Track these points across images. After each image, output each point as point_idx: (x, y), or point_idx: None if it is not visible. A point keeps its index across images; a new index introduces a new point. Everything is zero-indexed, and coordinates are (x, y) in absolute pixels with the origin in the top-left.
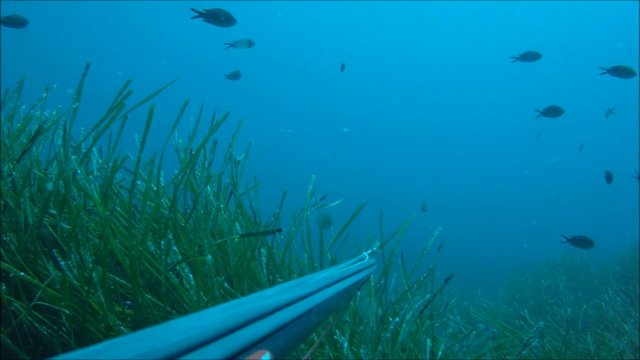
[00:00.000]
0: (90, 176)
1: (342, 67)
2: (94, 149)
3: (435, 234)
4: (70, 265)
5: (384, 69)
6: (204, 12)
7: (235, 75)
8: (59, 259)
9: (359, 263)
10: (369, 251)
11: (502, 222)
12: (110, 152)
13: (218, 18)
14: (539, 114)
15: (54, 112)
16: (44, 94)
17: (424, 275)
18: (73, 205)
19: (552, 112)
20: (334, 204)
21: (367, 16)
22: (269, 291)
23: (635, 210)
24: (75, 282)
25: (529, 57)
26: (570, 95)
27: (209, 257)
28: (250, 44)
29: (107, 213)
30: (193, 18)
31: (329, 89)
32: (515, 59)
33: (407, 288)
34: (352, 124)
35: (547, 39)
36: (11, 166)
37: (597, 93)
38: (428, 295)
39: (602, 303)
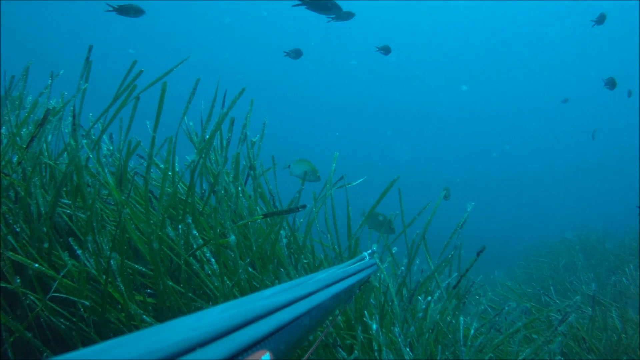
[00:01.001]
0: (103, 159)
1: (385, 50)
2: (104, 136)
3: (469, 209)
4: (87, 254)
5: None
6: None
7: (296, 53)
8: (76, 247)
9: (359, 263)
10: (369, 251)
11: (514, 202)
12: (124, 135)
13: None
14: (604, 84)
15: (59, 100)
16: (50, 81)
17: (452, 252)
18: (87, 192)
19: (610, 84)
20: (356, 183)
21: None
22: (268, 291)
23: None
24: (93, 271)
25: (601, 19)
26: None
27: (233, 238)
28: (387, 51)
29: (123, 198)
30: (294, 6)
31: (341, 74)
32: (594, 23)
33: (432, 268)
34: (371, 108)
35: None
36: (20, 155)
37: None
38: (455, 274)
39: (623, 279)
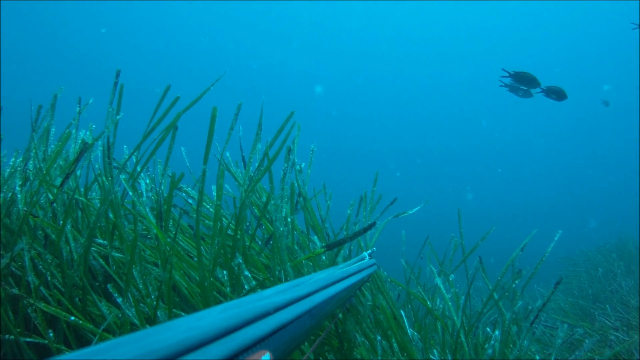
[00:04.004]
0: (143, 198)
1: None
2: (137, 166)
3: (556, 237)
4: (128, 303)
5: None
6: (512, 73)
7: (558, 95)
8: (116, 295)
9: (359, 263)
10: (369, 251)
11: (542, 212)
12: (163, 167)
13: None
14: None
15: (88, 133)
16: (78, 108)
17: (515, 282)
18: (125, 232)
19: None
20: (412, 212)
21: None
22: (268, 291)
23: None
24: (135, 321)
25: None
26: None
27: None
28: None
29: (169, 240)
30: (502, 77)
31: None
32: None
33: (496, 297)
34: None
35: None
36: (51, 197)
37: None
38: (520, 302)
39: None
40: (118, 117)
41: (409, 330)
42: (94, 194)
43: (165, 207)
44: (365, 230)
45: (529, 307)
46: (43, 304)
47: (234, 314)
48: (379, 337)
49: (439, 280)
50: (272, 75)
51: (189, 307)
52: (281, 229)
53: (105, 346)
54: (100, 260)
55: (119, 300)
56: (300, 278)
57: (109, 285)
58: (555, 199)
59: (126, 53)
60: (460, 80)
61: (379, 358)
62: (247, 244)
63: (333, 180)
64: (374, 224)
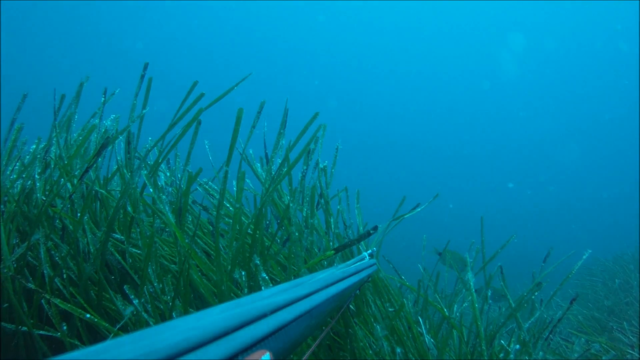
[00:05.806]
0: (163, 195)
1: None
2: (159, 158)
3: (584, 256)
4: (144, 301)
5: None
6: None
7: None
8: (132, 296)
9: (359, 263)
10: (369, 251)
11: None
12: (184, 162)
13: None
14: None
15: (109, 122)
16: (102, 98)
17: (534, 294)
18: (143, 227)
19: None
20: (419, 209)
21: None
22: (268, 291)
23: None
24: (151, 320)
25: None
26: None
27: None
28: None
29: (187, 241)
30: None
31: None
32: None
33: (513, 305)
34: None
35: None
36: (71, 188)
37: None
38: (537, 313)
39: None
40: (144, 111)
41: (426, 338)
42: (113, 184)
43: (183, 200)
44: (370, 234)
45: (545, 317)
46: (59, 300)
47: (234, 314)
48: (398, 350)
49: (470, 275)
50: (292, 70)
51: (206, 306)
52: (297, 234)
53: (105, 346)
54: (117, 255)
55: (135, 302)
56: (300, 278)
57: (125, 287)
58: (574, 205)
59: (147, 42)
60: (476, 80)
61: None
62: (267, 244)
63: (360, 179)
64: (375, 227)
